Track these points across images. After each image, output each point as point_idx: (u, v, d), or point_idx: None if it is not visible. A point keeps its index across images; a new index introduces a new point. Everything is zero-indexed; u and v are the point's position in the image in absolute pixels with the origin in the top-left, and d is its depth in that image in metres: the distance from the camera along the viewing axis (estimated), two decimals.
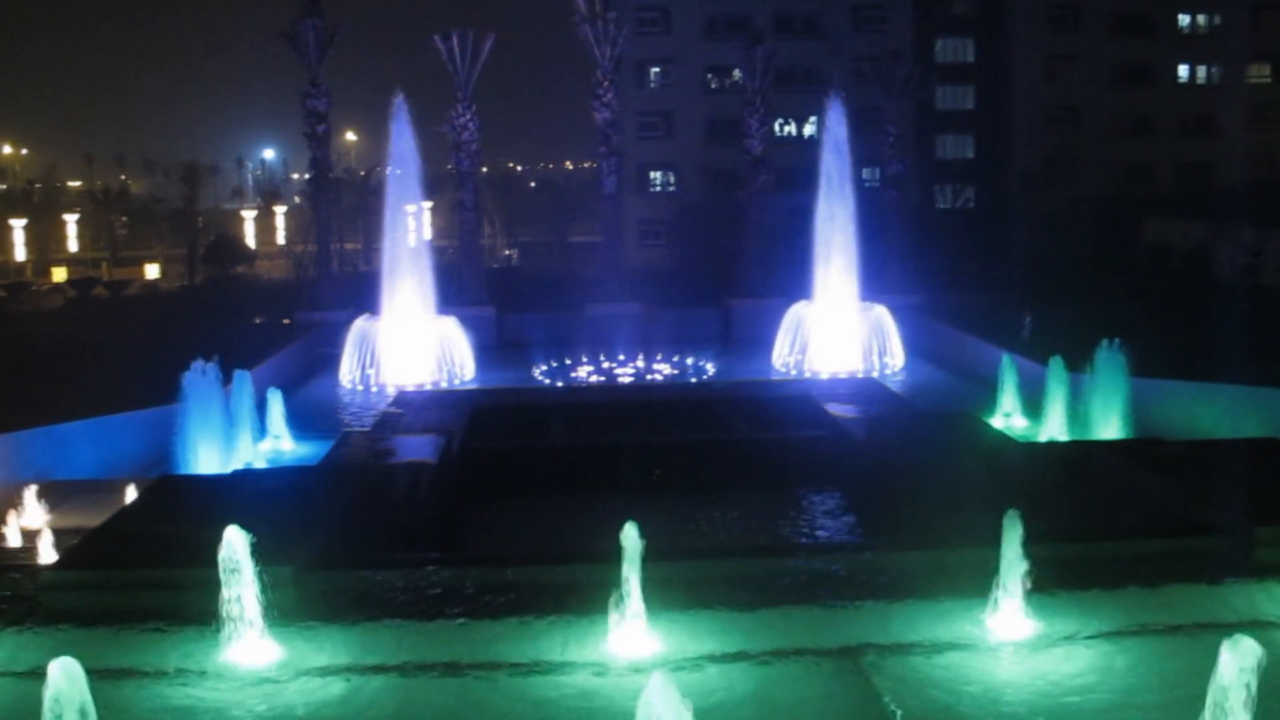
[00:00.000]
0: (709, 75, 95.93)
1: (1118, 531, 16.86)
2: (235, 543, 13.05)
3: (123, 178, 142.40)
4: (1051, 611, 13.70)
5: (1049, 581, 13.98)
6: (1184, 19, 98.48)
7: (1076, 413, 28.40)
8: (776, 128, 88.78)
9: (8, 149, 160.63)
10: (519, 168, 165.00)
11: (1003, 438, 25.38)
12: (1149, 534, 16.67)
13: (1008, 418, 31.09)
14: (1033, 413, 30.32)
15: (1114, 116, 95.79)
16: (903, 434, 25.37)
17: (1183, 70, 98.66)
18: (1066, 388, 28.87)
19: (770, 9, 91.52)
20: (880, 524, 21.68)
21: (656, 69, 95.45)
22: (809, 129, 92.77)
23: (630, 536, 13.02)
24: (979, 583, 13.82)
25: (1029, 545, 13.53)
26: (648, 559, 13.08)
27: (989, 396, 32.21)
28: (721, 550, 19.40)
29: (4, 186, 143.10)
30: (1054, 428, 28.67)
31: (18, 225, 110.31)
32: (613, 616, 13.18)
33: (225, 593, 13.07)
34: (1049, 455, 23.94)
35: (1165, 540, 16.24)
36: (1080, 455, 22.32)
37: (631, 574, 13.10)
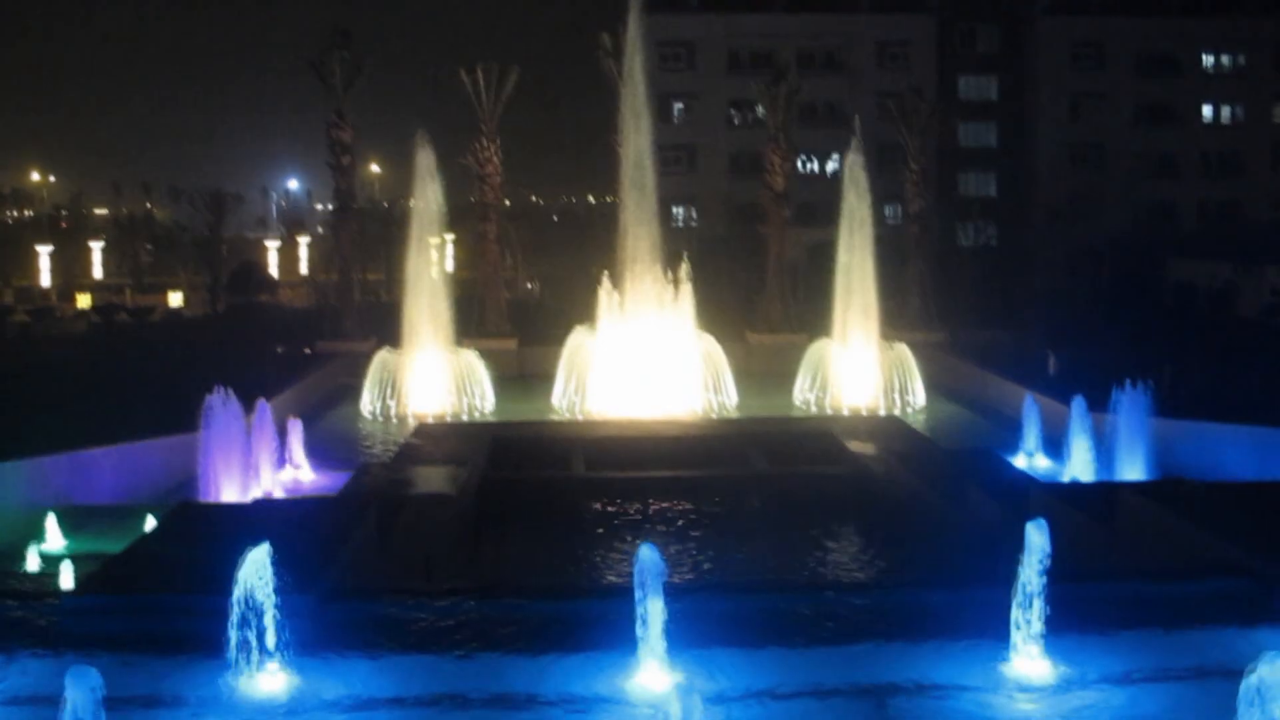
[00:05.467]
0: (732, 110, 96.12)
1: (1142, 573, 16.72)
2: (255, 571, 13.02)
3: (148, 205, 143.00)
4: (1075, 653, 13.55)
5: (1072, 623, 13.83)
6: (1208, 59, 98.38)
7: (1100, 453, 28.20)
8: (799, 164, 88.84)
9: (35, 176, 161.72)
10: (541, 200, 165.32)
11: (1025, 477, 25.23)
12: (1174, 576, 16.52)
13: (1030, 457, 30.91)
14: (1055, 452, 30.13)
15: (1138, 155, 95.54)
16: (924, 472, 25.25)
17: (1207, 110, 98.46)
18: (1089, 427, 28.69)
19: (793, 45, 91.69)
20: (900, 562, 21.55)
21: (679, 104, 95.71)
22: (831, 165, 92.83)
23: (647, 560, 12.91)
24: (1001, 623, 13.69)
25: (1052, 586, 13.40)
26: (668, 595, 12.99)
27: (1011, 435, 32.04)
28: (741, 587, 19.29)
29: (31, 213, 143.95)
30: (1077, 468, 28.48)
31: (44, 251, 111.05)
32: (631, 652, 13.09)
33: (244, 621, 13.03)
34: (1072, 495, 23.79)
35: (1191, 582, 16.08)
36: (1104, 496, 22.17)
37: (651, 606, 12.99)
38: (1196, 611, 14.77)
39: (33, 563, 22.01)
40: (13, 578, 21.32)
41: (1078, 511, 20.83)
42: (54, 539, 23.17)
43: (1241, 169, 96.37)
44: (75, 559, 20.64)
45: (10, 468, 26.06)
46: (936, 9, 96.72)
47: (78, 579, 18.79)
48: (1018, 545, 13.80)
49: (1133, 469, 27.24)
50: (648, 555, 13.02)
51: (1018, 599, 13.56)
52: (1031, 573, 13.46)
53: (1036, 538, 13.54)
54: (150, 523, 22.28)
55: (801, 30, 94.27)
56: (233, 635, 13.07)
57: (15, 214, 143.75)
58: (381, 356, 40.43)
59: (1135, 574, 16.64)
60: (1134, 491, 21.96)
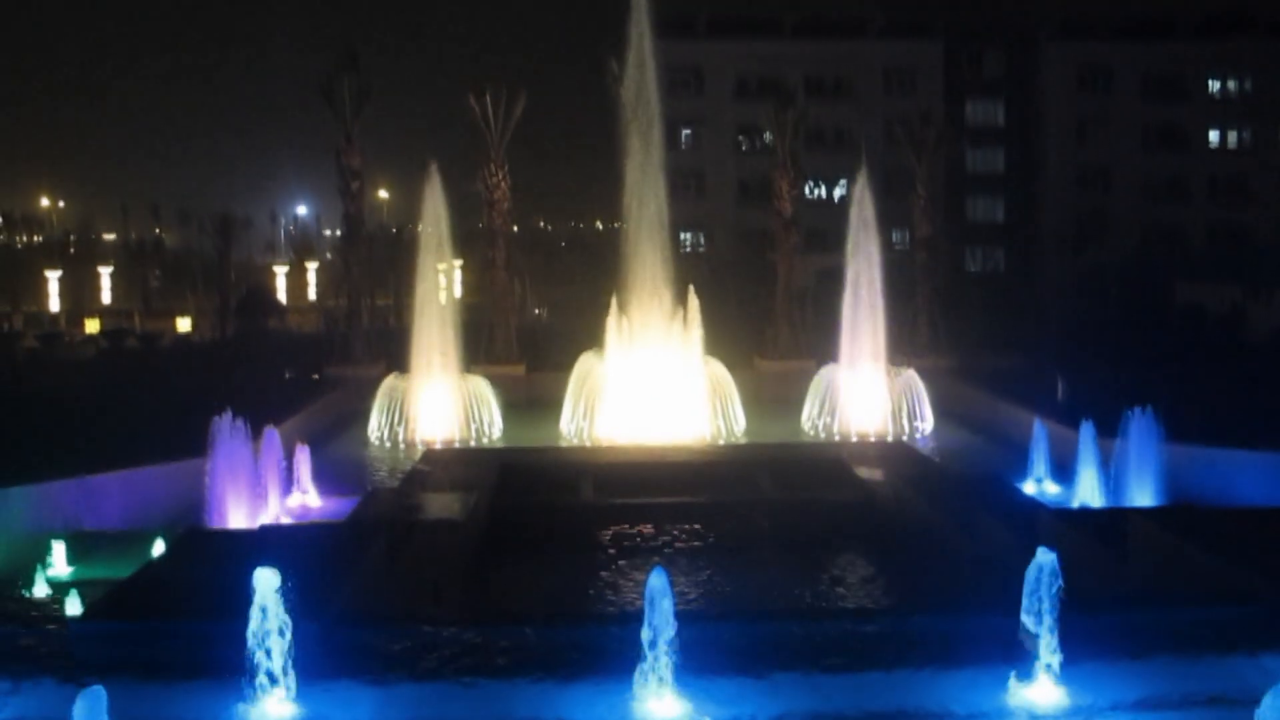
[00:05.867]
0: (740, 136, 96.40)
1: (1153, 600, 16.62)
2: (262, 598, 12.98)
3: (156, 230, 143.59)
4: (1087, 681, 13.46)
5: (1084, 650, 13.75)
6: (1215, 83, 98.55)
7: (1109, 478, 28.10)
8: (807, 189, 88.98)
9: (45, 201, 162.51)
10: (549, 226, 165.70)
11: (1034, 503, 25.14)
12: (1185, 603, 16.42)
13: (1039, 483, 30.82)
14: (1064, 478, 30.04)
15: (1146, 179, 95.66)
16: (932, 499, 25.18)
17: (1214, 134, 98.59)
18: (1098, 453, 28.59)
19: (801, 70, 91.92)
20: (910, 589, 21.47)
21: (687, 130, 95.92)
22: (839, 190, 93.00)
23: (656, 585, 12.86)
24: (1010, 650, 13.61)
25: (1063, 613, 13.33)
26: (679, 621, 12.94)
27: (1020, 461, 31.95)
28: (750, 614, 19.22)
29: (40, 238, 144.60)
30: (1086, 494, 28.39)
31: (53, 277, 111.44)
32: (640, 679, 13.03)
33: (252, 648, 12.99)
34: (1081, 522, 23.68)
35: (1202, 609, 15.97)
36: (1113, 521, 22.07)
37: (660, 632, 12.93)
38: (1208, 639, 14.67)
39: (40, 589, 22.00)
40: (20, 603, 21.32)
41: (1087, 537, 20.73)
42: (60, 565, 23.16)
43: (1250, 193, 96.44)
44: (82, 585, 20.62)
45: (18, 493, 26.07)
46: (943, 34, 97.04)
47: (85, 605, 18.77)
48: (1026, 572, 13.74)
49: (1142, 494, 27.13)
50: (657, 580, 12.98)
51: (1028, 626, 13.49)
52: (1042, 600, 13.39)
53: (1046, 564, 13.47)
54: (158, 548, 22.27)
55: (809, 56, 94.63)
56: (240, 662, 13.03)
57: (24, 239, 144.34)
58: (390, 382, 40.48)
59: (1146, 601, 16.55)
60: (1144, 517, 21.87)
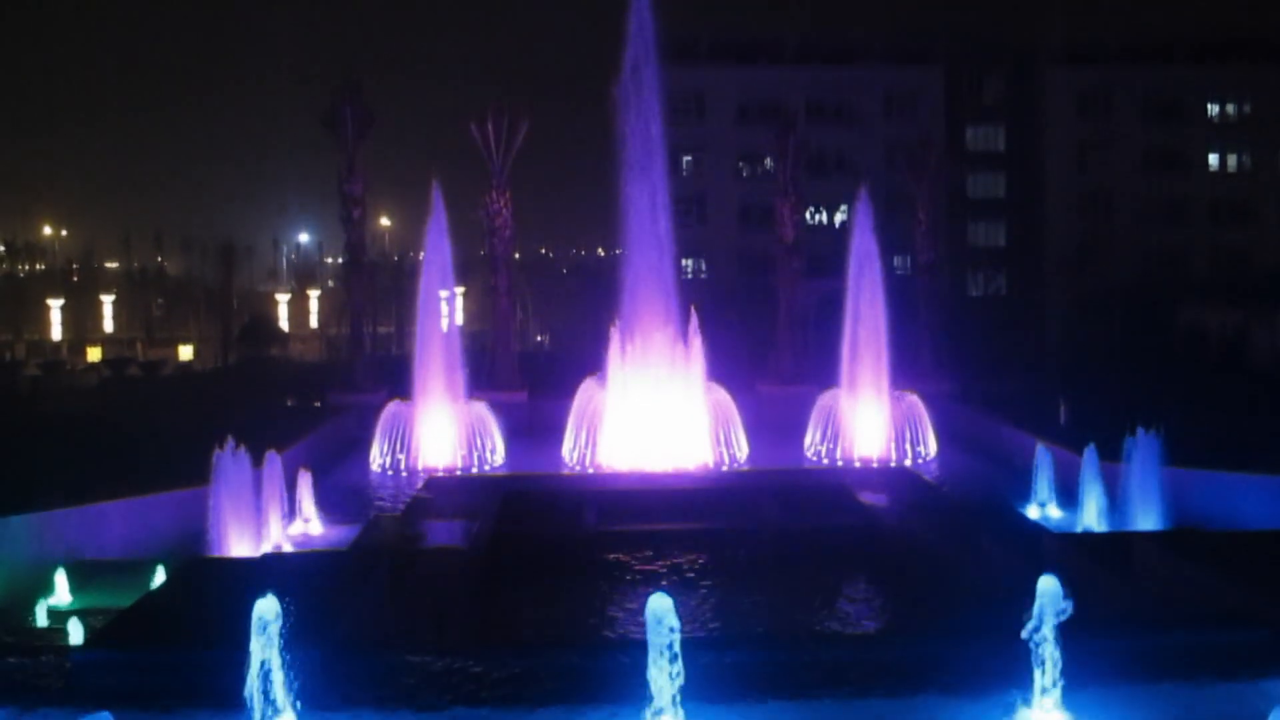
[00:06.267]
0: (741, 161, 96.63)
1: (1157, 625, 16.56)
2: (264, 626, 12.95)
3: (159, 258, 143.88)
4: (1091, 706, 13.41)
5: (1088, 675, 13.69)
6: (1214, 107, 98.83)
7: (1112, 503, 28.04)
8: (808, 215, 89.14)
9: (48, 229, 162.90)
10: (551, 253, 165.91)
11: (1037, 528, 25.09)
12: (1189, 627, 16.35)
13: (1042, 507, 30.75)
14: (1068, 502, 29.98)
15: (1147, 202, 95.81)
16: (936, 524, 25.15)
17: (1214, 157, 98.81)
18: (1101, 477, 28.54)
19: (802, 96, 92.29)
20: (913, 614, 21.41)
21: (689, 156, 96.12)
22: (840, 215, 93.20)
23: (660, 609, 12.80)
24: (1014, 676, 13.56)
25: (1066, 638, 13.28)
26: (682, 648, 12.88)
27: (1023, 485, 31.89)
28: (753, 639, 19.16)
29: (43, 266, 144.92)
30: (1090, 518, 28.32)
31: (55, 305, 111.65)
32: (646, 707, 12.97)
33: (253, 676, 12.94)
34: (1085, 546, 23.63)
35: (1206, 634, 15.91)
36: (1118, 546, 22.02)
37: (663, 657, 12.87)
38: (1213, 663, 14.62)
39: (41, 618, 21.95)
40: (22, 633, 21.27)
41: (1091, 562, 20.68)
42: (62, 594, 23.12)
43: (1251, 215, 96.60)
44: (84, 614, 20.58)
45: (19, 522, 26.02)
46: (944, 60, 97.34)
47: (87, 634, 18.73)
48: (1031, 596, 13.69)
49: (1146, 518, 27.08)
50: (660, 604, 12.93)
51: (1032, 651, 13.45)
52: (1045, 624, 13.35)
53: (1050, 589, 13.43)
54: (160, 577, 22.24)
55: (810, 81, 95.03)
56: (242, 691, 12.99)
57: (27, 267, 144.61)
58: (392, 409, 40.47)
59: (1151, 625, 16.48)
60: (1148, 541, 21.83)
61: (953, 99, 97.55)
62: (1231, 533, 23.69)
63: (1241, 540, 21.29)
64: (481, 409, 40.92)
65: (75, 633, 19.51)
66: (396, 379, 45.02)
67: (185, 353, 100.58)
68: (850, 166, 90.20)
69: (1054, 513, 30.39)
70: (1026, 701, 13.36)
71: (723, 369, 41.90)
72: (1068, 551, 22.01)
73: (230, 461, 26.72)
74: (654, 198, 42.34)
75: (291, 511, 30.04)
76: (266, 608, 13.03)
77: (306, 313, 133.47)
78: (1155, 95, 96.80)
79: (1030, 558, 20.76)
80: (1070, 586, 13.60)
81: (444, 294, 43.29)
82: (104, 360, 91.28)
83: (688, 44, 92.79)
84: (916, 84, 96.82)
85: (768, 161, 74.79)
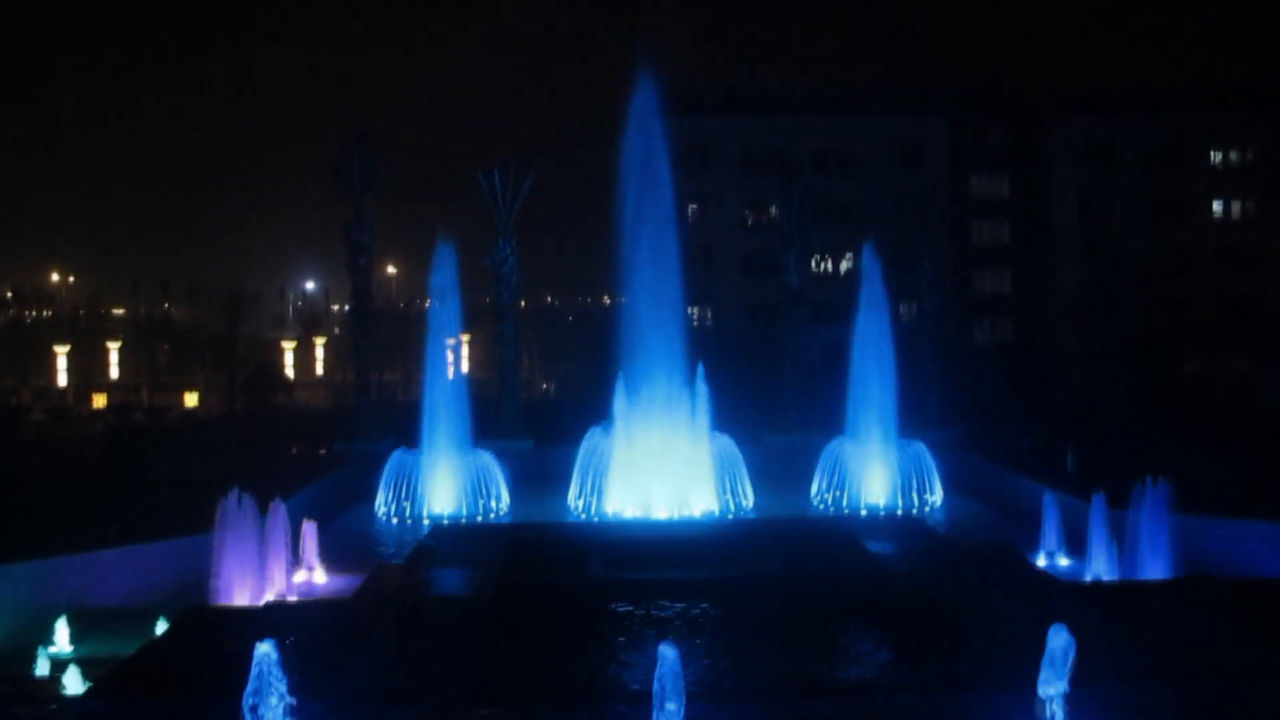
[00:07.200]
0: (746, 210, 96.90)
1: (1169, 675, 16.38)
2: (265, 676, 12.83)
3: (165, 305, 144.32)
4: None
5: None
6: (1217, 154, 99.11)
7: (1122, 551, 27.87)
8: (813, 263, 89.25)
9: (55, 276, 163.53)
10: (557, 301, 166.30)
11: (1046, 577, 24.91)
12: (1202, 677, 16.19)
13: (1051, 556, 30.57)
14: (1077, 550, 29.80)
15: (1151, 250, 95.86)
16: (943, 573, 24.97)
17: (1218, 205, 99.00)
18: (1110, 525, 28.37)
19: (807, 145, 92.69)
20: (921, 665, 21.19)
21: (694, 204, 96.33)
22: (846, 263, 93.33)
23: (667, 660, 12.68)
24: None
25: (1076, 689, 13.14)
26: (690, 699, 12.75)
27: (1031, 534, 31.72)
28: (761, 691, 18.97)
29: (49, 312, 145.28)
30: (1099, 566, 28.13)
31: (62, 351, 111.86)
32: None
33: None
34: (1095, 595, 23.46)
35: (1220, 683, 15.76)
36: (1128, 595, 21.87)
37: (670, 708, 12.73)
38: (1226, 714, 14.47)
39: (43, 666, 21.80)
40: (23, 681, 21.11)
41: (1101, 612, 20.51)
42: (63, 642, 22.98)
43: (1256, 262, 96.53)
44: (85, 662, 20.44)
45: (21, 569, 25.94)
46: (948, 109, 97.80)
47: (88, 682, 18.59)
48: (1041, 647, 13.56)
49: (1156, 566, 26.90)
50: (668, 654, 12.82)
51: (1041, 702, 13.30)
52: (1055, 676, 13.21)
53: (1059, 640, 13.30)
54: (162, 626, 22.10)
55: (815, 130, 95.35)
56: None
57: (33, 313, 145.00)
58: (397, 457, 40.41)
59: (1161, 675, 16.30)
60: (1158, 591, 21.68)
61: (957, 147, 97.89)
62: (1241, 581, 23.53)
63: (1253, 588, 21.13)
64: (487, 457, 40.85)
65: (76, 681, 19.37)
66: (402, 427, 44.95)
67: (191, 400, 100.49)
68: (855, 215, 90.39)
69: (1063, 561, 30.21)
70: None
71: (728, 417, 41.79)
72: (1077, 601, 21.85)
73: (235, 509, 26.63)
74: (660, 246, 42.40)
75: (296, 560, 29.90)
76: (265, 658, 12.92)
77: (312, 360, 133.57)
78: (1158, 143, 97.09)
79: (1040, 608, 20.57)
80: (1081, 637, 13.48)
81: (450, 342, 43.31)
82: (109, 407, 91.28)
83: (693, 94, 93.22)
84: (920, 133, 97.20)
85: (773, 210, 74.92)
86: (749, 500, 40.28)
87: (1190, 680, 16.09)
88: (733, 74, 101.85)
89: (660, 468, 39.11)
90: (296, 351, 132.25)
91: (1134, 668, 16.83)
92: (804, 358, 53.80)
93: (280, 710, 12.93)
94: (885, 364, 41.14)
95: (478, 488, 40.11)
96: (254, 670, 12.91)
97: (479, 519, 39.21)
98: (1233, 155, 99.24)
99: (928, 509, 39.42)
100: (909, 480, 40.22)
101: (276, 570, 28.04)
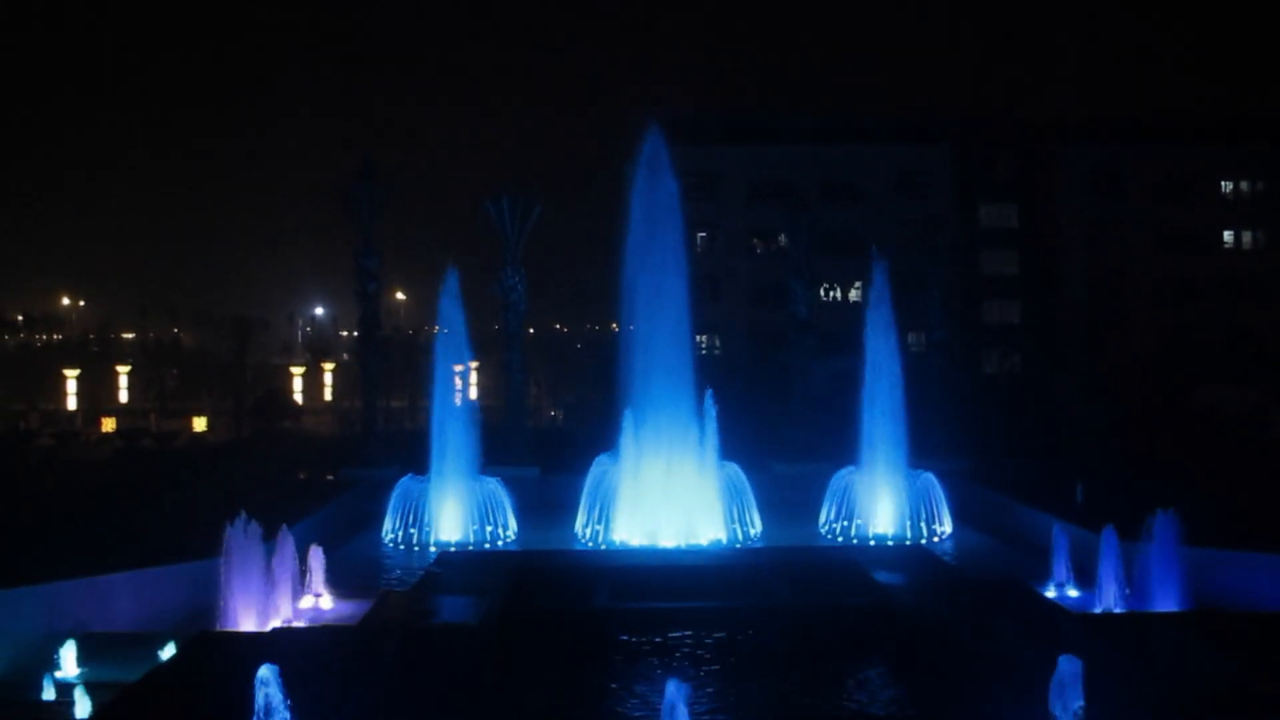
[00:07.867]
0: (754, 239, 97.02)
1: (1180, 709, 16.29)
2: (271, 703, 12.81)
3: (175, 331, 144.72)
4: None
5: None
6: (1227, 185, 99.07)
7: (1132, 583, 27.74)
8: (821, 292, 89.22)
9: (65, 300, 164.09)
10: (565, 328, 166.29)
11: (1055, 609, 24.80)
12: (1214, 712, 16.09)
13: (1060, 587, 30.43)
14: (1086, 582, 29.67)
15: (1161, 280, 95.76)
16: (951, 604, 24.88)
17: (1228, 235, 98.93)
18: (1120, 556, 28.24)
19: (814, 175, 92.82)
20: (929, 697, 21.09)
21: (702, 234, 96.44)
22: (854, 293, 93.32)
23: (673, 698, 12.65)
24: None
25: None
26: None
27: (1040, 565, 31.59)
28: None
29: (59, 337, 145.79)
30: (1108, 598, 28.00)
31: (71, 376, 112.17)
32: None
33: None
34: (1104, 628, 23.35)
35: (1228, 717, 15.66)
36: (1137, 627, 21.76)
37: None
38: None
39: (49, 691, 21.76)
40: (30, 706, 21.07)
41: (1110, 645, 20.40)
42: (69, 666, 22.94)
43: (1267, 293, 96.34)
44: (92, 687, 20.39)
45: (28, 593, 25.92)
46: (956, 139, 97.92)
47: (94, 708, 18.54)
48: (1050, 680, 13.49)
49: (1165, 598, 26.78)
50: (673, 688, 12.78)
51: None
52: (1065, 710, 13.15)
53: (1069, 673, 13.25)
54: (169, 651, 22.06)
55: (822, 160, 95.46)
56: None
57: (43, 338, 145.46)
58: (404, 484, 40.40)
59: (1170, 709, 16.21)
60: (1168, 623, 21.58)
61: (965, 177, 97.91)
62: (1251, 614, 23.41)
63: (1261, 621, 21.02)
64: (494, 484, 40.82)
65: (82, 706, 19.33)
66: (410, 453, 44.96)
67: (199, 425, 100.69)
68: (862, 244, 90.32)
69: (1072, 593, 30.06)
70: None
71: (736, 445, 41.70)
72: (1087, 634, 21.74)
73: (242, 535, 26.61)
74: (667, 275, 42.40)
75: (302, 586, 29.87)
76: (268, 684, 12.89)
77: (320, 386, 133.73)
78: (1167, 173, 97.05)
79: (1048, 640, 20.47)
80: (1089, 669, 13.42)
81: (458, 369, 43.36)
82: (118, 431, 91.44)
83: (701, 124, 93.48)
84: (928, 163, 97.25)
85: (780, 239, 75.17)
86: (756, 529, 40.18)
87: (1200, 713, 16.00)
88: (740, 104, 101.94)
89: (667, 496, 39.03)
90: (304, 377, 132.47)
91: (1143, 700, 16.73)
92: (812, 387, 53.75)
93: None
94: (893, 393, 41.09)
95: (485, 515, 40.07)
96: (259, 696, 12.88)
97: (486, 546, 39.14)
98: (1243, 185, 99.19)
99: (937, 539, 39.30)
100: (918, 510, 40.13)
101: (283, 596, 28.00)
